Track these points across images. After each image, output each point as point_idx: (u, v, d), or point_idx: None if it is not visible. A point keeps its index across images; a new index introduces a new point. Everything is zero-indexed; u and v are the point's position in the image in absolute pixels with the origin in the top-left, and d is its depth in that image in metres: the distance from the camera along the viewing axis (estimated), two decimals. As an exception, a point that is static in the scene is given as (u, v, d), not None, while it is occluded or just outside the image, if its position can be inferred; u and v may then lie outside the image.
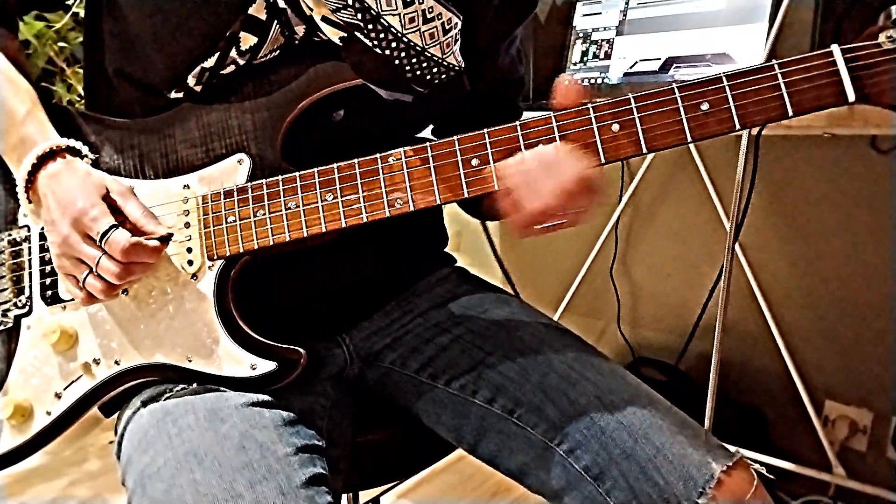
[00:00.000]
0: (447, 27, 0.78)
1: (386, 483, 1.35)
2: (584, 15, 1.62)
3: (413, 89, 0.80)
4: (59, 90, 1.87)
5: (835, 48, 0.62)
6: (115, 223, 0.71)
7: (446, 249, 1.01)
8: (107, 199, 0.73)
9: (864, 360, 1.62)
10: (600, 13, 1.59)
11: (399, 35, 0.76)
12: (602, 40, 1.57)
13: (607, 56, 1.56)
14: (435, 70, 0.80)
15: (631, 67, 1.51)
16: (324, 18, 0.75)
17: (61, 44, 1.83)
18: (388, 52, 0.76)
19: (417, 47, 0.77)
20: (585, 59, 1.59)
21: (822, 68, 0.63)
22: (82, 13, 0.90)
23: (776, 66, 0.64)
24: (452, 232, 1.02)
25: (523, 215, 0.68)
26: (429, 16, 0.77)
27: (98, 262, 0.70)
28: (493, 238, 1.41)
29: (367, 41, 0.76)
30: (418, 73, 0.79)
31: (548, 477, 0.74)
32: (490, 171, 0.69)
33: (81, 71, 1.80)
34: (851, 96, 0.62)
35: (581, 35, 1.61)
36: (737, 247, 1.57)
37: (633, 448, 0.69)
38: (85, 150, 0.78)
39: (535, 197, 0.67)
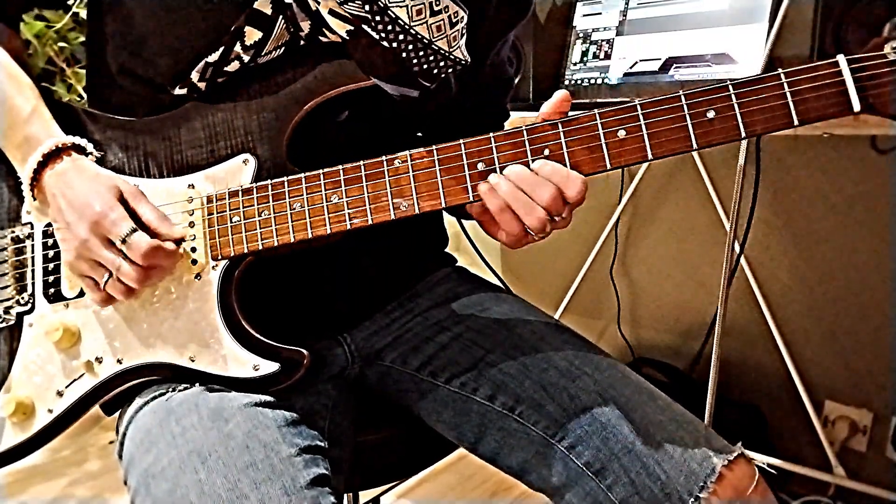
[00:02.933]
0: (454, 20, 0.79)
1: (386, 483, 1.35)
2: (584, 15, 1.62)
3: (420, 84, 0.80)
4: (59, 90, 1.86)
5: (840, 58, 0.62)
6: (135, 227, 0.71)
7: (446, 249, 1.01)
8: (120, 200, 0.73)
9: (864, 360, 1.62)
10: (600, 13, 1.59)
11: (406, 27, 0.76)
12: (602, 40, 1.57)
13: (607, 56, 1.56)
14: (442, 64, 0.80)
15: (631, 67, 1.51)
16: (331, 12, 0.75)
17: (61, 44, 1.83)
18: (395, 44, 0.76)
19: (424, 40, 0.77)
20: (585, 59, 1.59)
21: (827, 78, 0.62)
22: (83, 13, 0.89)
23: (782, 76, 0.63)
24: (452, 232, 1.02)
25: (518, 231, 0.69)
26: (436, 8, 0.77)
27: (119, 266, 0.71)
28: (474, 241, 1.42)
29: (374, 34, 0.76)
30: (425, 66, 0.79)
31: (549, 473, 0.74)
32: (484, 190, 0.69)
33: (81, 71, 1.80)
34: (857, 107, 0.62)
35: (581, 35, 1.61)
36: (737, 247, 1.57)
37: (634, 443, 0.70)
38: (90, 147, 0.78)
39: (529, 210, 0.67)
